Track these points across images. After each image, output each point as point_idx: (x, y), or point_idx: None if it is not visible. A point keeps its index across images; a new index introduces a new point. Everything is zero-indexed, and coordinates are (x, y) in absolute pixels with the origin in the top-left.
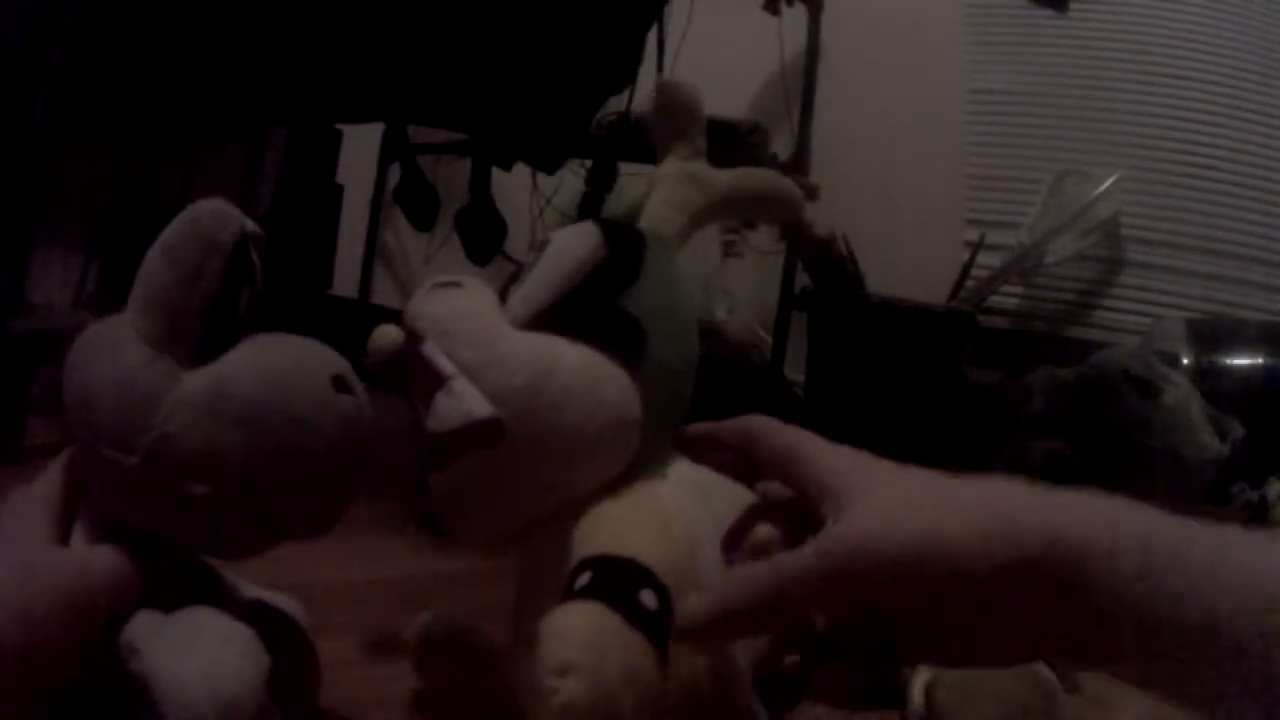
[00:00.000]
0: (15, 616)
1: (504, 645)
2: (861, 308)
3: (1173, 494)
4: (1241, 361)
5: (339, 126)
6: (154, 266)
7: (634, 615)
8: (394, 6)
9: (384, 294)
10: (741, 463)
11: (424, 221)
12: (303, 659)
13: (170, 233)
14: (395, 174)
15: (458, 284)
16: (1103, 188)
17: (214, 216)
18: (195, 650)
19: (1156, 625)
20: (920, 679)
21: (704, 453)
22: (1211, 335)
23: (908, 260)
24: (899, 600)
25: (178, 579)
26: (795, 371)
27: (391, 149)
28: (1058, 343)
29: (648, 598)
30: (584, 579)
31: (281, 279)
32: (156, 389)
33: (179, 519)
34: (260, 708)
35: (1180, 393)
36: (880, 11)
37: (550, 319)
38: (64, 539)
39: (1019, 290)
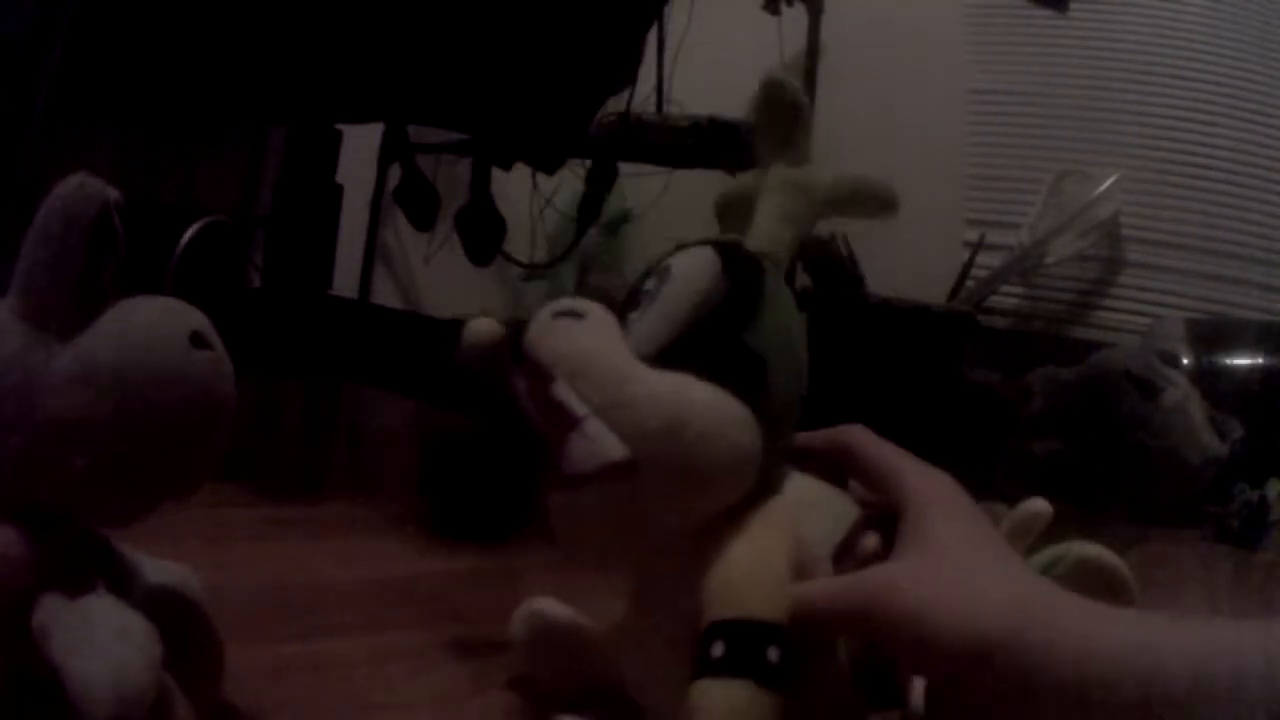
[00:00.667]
0: None
1: (603, 634)
2: (861, 308)
3: (1173, 494)
4: (1241, 361)
5: (339, 126)
6: (26, 247)
7: (764, 676)
8: (394, 6)
9: (384, 294)
10: (836, 468)
11: (424, 221)
12: (199, 635)
13: (39, 214)
14: (395, 174)
15: (578, 314)
16: (1103, 188)
17: (77, 191)
18: (95, 645)
19: None
20: (920, 678)
21: (804, 461)
22: (1211, 335)
23: (908, 260)
24: (898, 655)
25: (76, 555)
26: None
27: (391, 149)
28: (1058, 343)
29: (773, 653)
30: (718, 649)
31: (281, 279)
32: (34, 368)
33: (65, 493)
34: (161, 694)
35: (1180, 393)
36: (880, 11)
37: (675, 354)
38: None
39: (1019, 290)
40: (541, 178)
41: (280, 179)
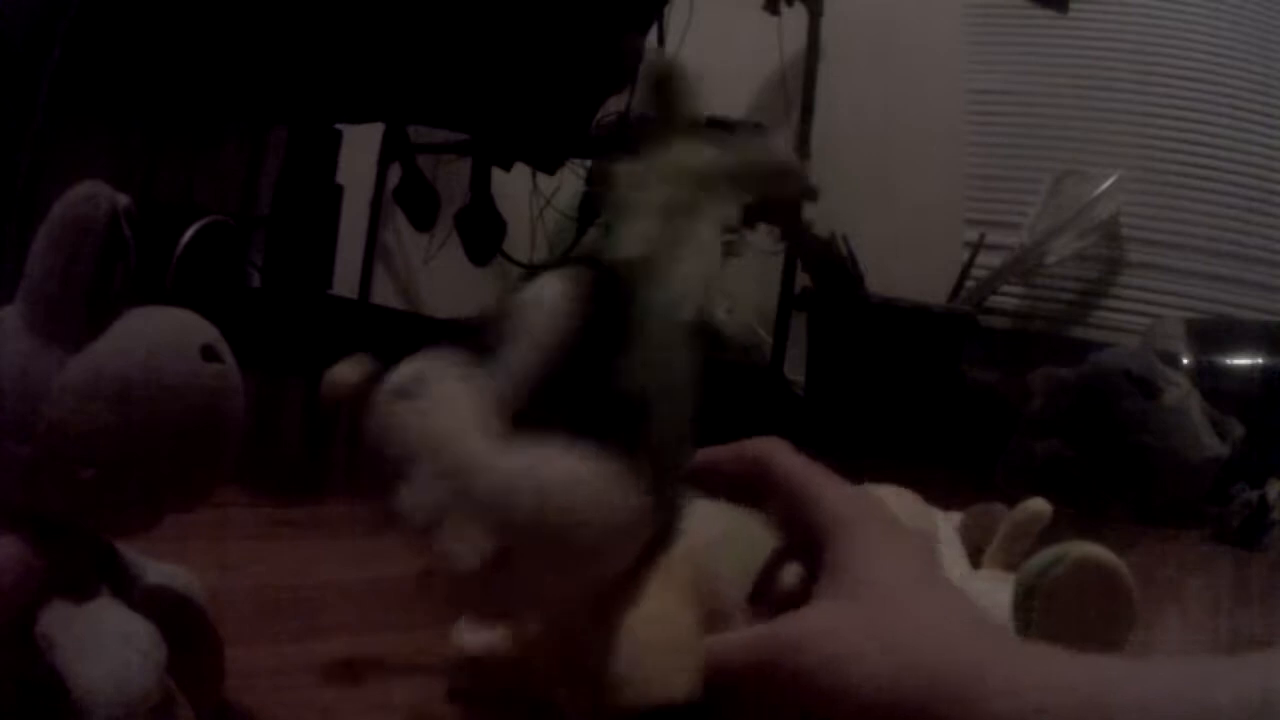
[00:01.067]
0: None
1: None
2: (861, 308)
3: (1173, 494)
4: (1241, 361)
5: (339, 126)
6: (35, 256)
7: None
8: (394, 7)
9: (384, 294)
10: (746, 487)
11: (424, 221)
12: (200, 636)
13: (48, 221)
14: (395, 174)
15: (420, 390)
16: (1103, 188)
17: (86, 199)
18: (98, 650)
19: None
20: None
21: (706, 483)
22: (1211, 335)
23: (908, 260)
24: (814, 707)
25: (81, 560)
26: (795, 371)
27: (391, 149)
28: (1058, 343)
29: None
30: None
31: (281, 279)
32: (44, 377)
33: (73, 502)
34: (163, 697)
35: (1180, 393)
36: (880, 12)
37: (537, 411)
38: None
39: (1019, 290)
40: (541, 178)
41: (280, 179)
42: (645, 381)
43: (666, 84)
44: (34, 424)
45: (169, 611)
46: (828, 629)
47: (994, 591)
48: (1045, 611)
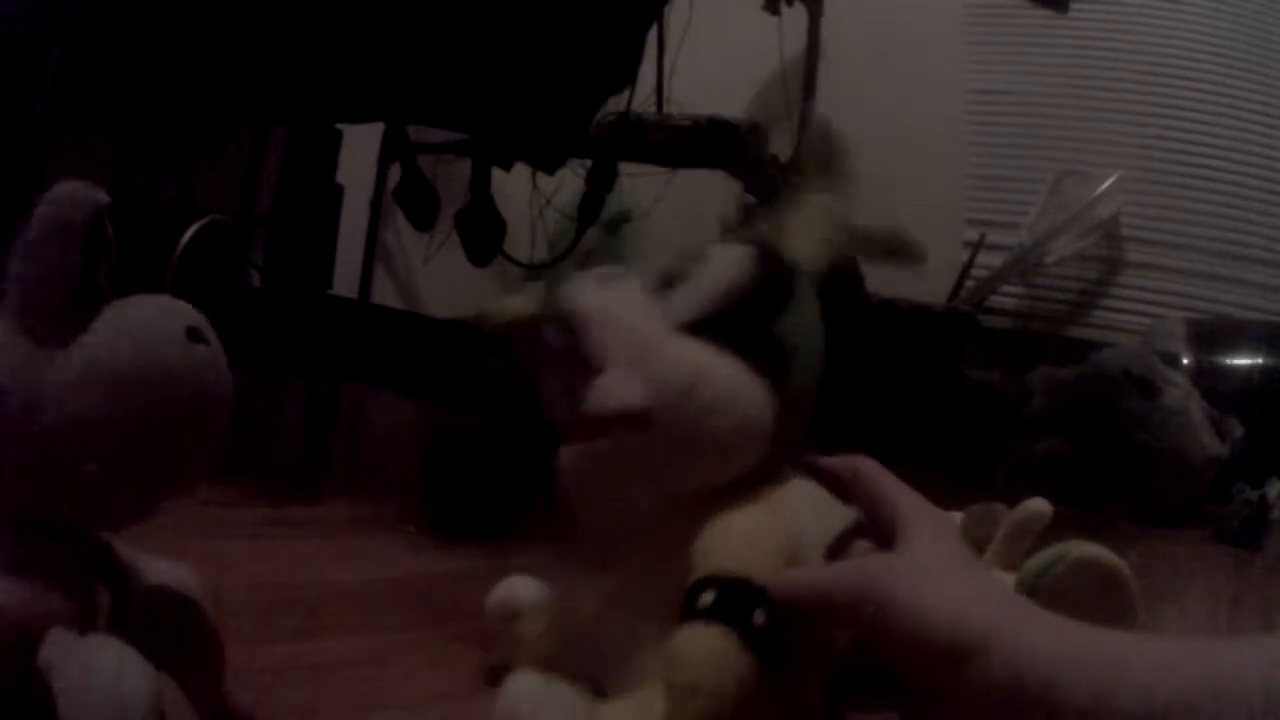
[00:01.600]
0: None
1: (588, 609)
2: (862, 308)
3: (1173, 494)
4: (1241, 361)
5: (339, 126)
6: (19, 258)
7: (748, 635)
8: (394, 7)
9: (384, 294)
10: (838, 486)
11: (424, 221)
12: (199, 635)
13: (32, 224)
14: (395, 174)
15: (617, 279)
16: (1103, 188)
17: (67, 199)
18: (93, 691)
19: None
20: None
21: (809, 471)
22: (1211, 335)
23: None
24: (889, 645)
25: (80, 561)
26: None
27: (391, 149)
28: (1058, 343)
29: (759, 616)
30: (708, 598)
31: (281, 279)
32: (37, 380)
33: (76, 500)
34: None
35: (1180, 393)
36: (880, 11)
37: (705, 330)
38: None
39: (1019, 290)
40: (541, 178)
41: (280, 179)
42: (794, 336)
43: (826, 145)
44: (34, 427)
45: (167, 609)
46: (912, 571)
47: None
48: None
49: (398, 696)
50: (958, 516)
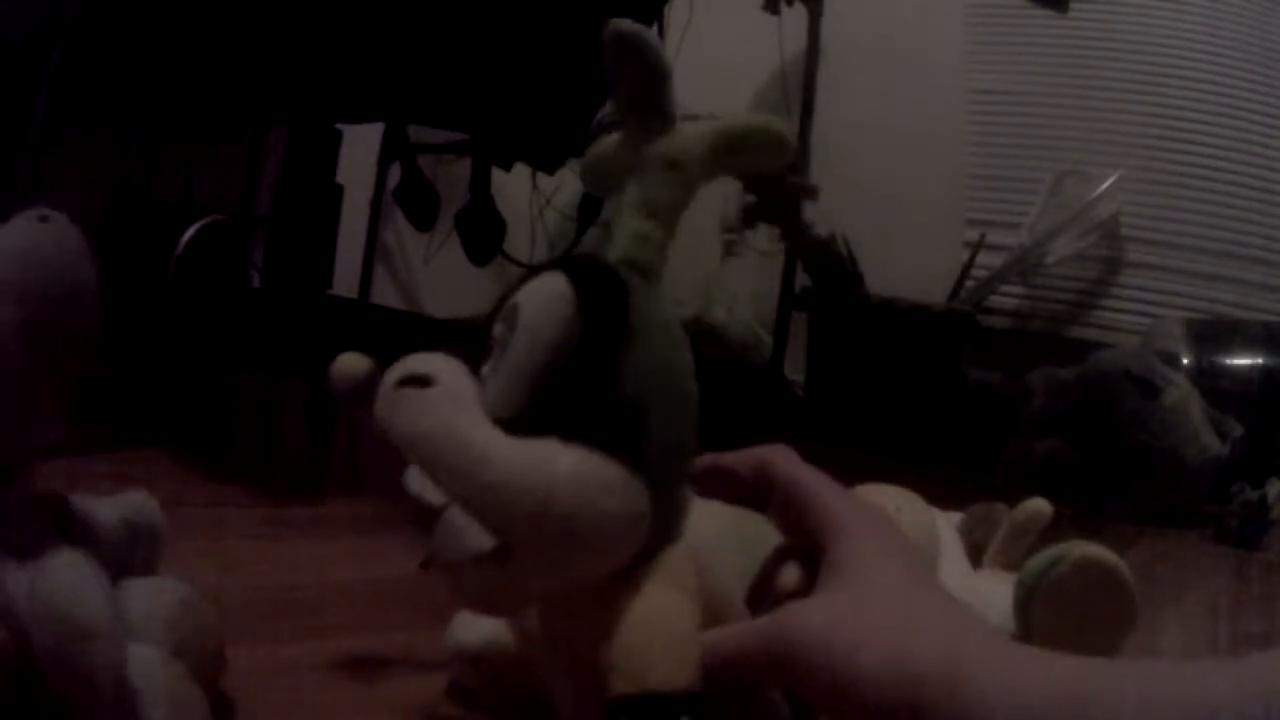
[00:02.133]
0: None
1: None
2: (861, 308)
3: (1173, 494)
4: (1241, 361)
5: (339, 126)
6: None
7: None
8: (394, 7)
9: (384, 294)
10: (751, 491)
11: (424, 221)
12: (196, 622)
13: None
14: (395, 174)
15: (425, 379)
16: (1103, 188)
17: None
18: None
19: None
20: None
21: (711, 486)
22: (1211, 335)
23: (908, 260)
24: (816, 703)
25: (28, 517)
26: (795, 371)
27: (391, 149)
28: (1058, 343)
29: None
30: None
31: (281, 279)
32: None
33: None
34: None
35: (1180, 393)
36: (880, 11)
37: (535, 415)
38: None
39: (1019, 290)
40: (541, 178)
41: (280, 179)
42: (645, 383)
43: (627, 52)
44: None
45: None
46: (828, 621)
47: (994, 591)
48: (1046, 612)
49: (398, 696)
50: (957, 517)
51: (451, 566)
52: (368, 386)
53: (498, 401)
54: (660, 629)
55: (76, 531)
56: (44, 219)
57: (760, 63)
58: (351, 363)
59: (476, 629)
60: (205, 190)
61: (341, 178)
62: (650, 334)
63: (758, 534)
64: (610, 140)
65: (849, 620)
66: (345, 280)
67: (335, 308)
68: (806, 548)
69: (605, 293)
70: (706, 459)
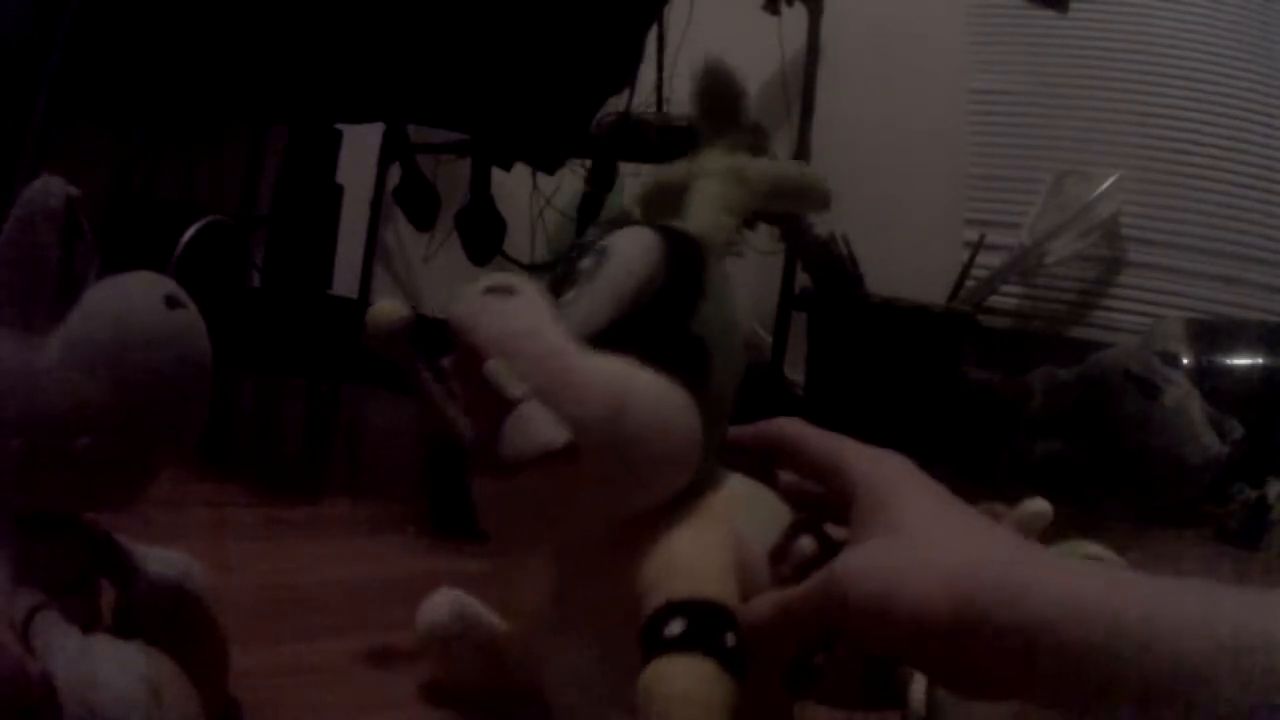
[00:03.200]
0: None
1: (512, 630)
2: (861, 308)
3: (1173, 494)
4: (1241, 361)
5: (339, 126)
6: (2, 252)
7: (725, 659)
8: (394, 6)
9: (384, 294)
10: (763, 466)
11: (424, 221)
12: (204, 630)
13: (9, 222)
14: (395, 174)
15: (509, 289)
16: (1103, 188)
17: (40, 191)
18: (97, 687)
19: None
20: (920, 679)
21: (732, 457)
22: (1211, 335)
23: (908, 260)
24: (871, 640)
25: (77, 555)
26: (795, 371)
27: (391, 149)
28: (1058, 343)
29: (730, 638)
30: (677, 627)
31: (281, 279)
32: (25, 367)
33: (70, 481)
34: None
35: (1180, 393)
36: (880, 11)
37: (614, 338)
38: None
39: (1019, 290)
40: (541, 178)
41: (280, 179)
42: (712, 330)
43: (718, 85)
44: (26, 415)
45: (169, 604)
46: (875, 563)
47: None
48: None
49: (397, 696)
50: None
51: (513, 468)
52: (404, 334)
53: (582, 321)
54: (706, 553)
55: (118, 575)
56: (172, 302)
57: (760, 63)
58: (388, 310)
59: (445, 607)
60: (205, 190)
61: (341, 178)
62: (718, 293)
63: (777, 505)
64: (674, 167)
65: (892, 558)
66: (345, 280)
67: (335, 308)
68: (816, 520)
69: (689, 248)
70: (731, 433)
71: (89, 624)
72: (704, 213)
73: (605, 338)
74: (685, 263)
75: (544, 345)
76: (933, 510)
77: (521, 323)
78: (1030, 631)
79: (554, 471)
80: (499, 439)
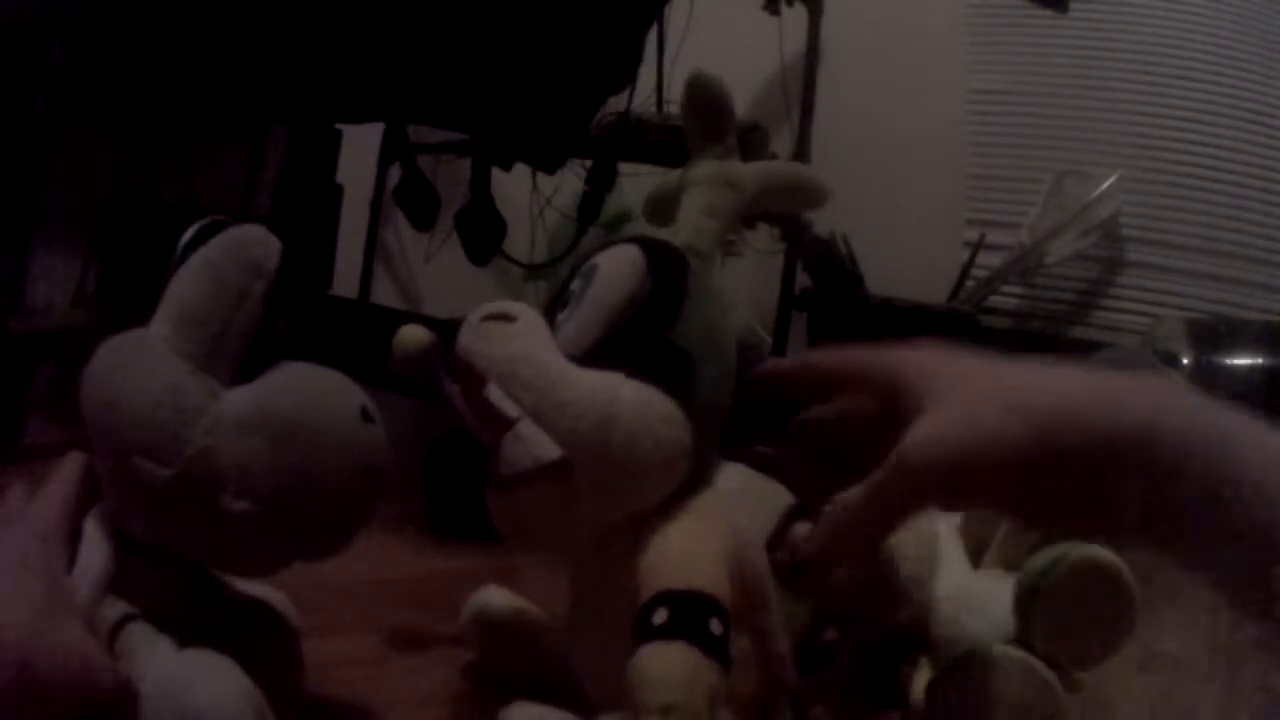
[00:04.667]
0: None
1: (552, 623)
2: (861, 308)
3: None
4: (1241, 361)
5: (339, 126)
6: (193, 283)
7: (708, 645)
8: (394, 6)
9: (384, 294)
10: (768, 461)
11: (424, 221)
12: (288, 651)
13: (213, 252)
14: (395, 174)
15: (508, 317)
16: (1103, 188)
17: (260, 242)
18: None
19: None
20: (921, 679)
21: (760, 391)
22: (1211, 335)
23: (908, 260)
24: (950, 499)
25: (178, 582)
26: None
27: (391, 149)
28: (1058, 343)
29: (715, 625)
30: (661, 616)
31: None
32: (197, 404)
33: (205, 534)
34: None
35: None
36: (880, 11)
37: (603, 354)
38: (73, 546)
39: (1019, 290)
40: (541, 178)
41: (280, 179)
42: (696, 339)
43: (704, 97)
44: (179, 448)
45: (259, 623)
46: (941, 424)
47: (994, 591)
48: (1047, 612)
49: (398, 696)
50: (957, 517)
51: (514, 482)
52: (431, 357)
53: (572, 339)
54: (696, 545)
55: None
56: (366, 415)
57: (760, 63)
58: (414, 335)
59: (497, 596)
60: (205, 190)
61: (341, 178)
62: (702, 302)
63: (773, 493)
64: (670, 176)
65: (962, 415)
66: (345, 280)
67: (335, 308)
68: (809, 507)
69: (669, 261)
70: (759, 370)
71: (183, 644)
72: (689, 221)
73: (595, 354)
74: (667, 275)
75: (536, 367)
76: (973, 366)
77: (516, 347)
78: (1230, 478)
79: (549, 484)
80: (498, 456)
